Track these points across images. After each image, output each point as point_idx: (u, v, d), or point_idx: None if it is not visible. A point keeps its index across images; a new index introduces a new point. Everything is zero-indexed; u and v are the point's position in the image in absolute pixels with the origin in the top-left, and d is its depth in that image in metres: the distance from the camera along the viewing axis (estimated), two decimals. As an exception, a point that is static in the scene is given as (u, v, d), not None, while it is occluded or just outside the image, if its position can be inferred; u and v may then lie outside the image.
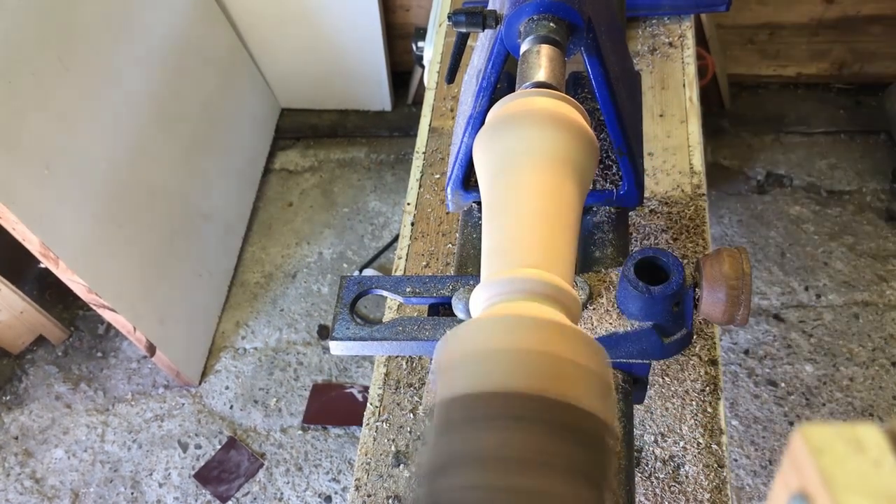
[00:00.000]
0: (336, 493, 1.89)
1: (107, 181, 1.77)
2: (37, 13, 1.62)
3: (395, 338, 0.65)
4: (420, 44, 2.12)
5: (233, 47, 2.33)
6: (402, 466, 0.77)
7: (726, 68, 2.39)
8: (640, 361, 0.64)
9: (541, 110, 0.47)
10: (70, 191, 1.66)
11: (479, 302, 0.42)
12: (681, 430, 0.77)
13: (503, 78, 0.68)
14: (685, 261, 0.88)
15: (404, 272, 0.91)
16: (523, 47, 0.57)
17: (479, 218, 0.80)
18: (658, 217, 0.94)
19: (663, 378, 0.81)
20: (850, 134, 2.39)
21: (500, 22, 0.61)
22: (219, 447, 1.97)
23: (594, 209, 0.78)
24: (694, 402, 0.79)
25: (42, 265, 1.63)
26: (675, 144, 1.03)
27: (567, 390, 0.34)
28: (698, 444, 0.76)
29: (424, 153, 1.03)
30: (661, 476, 0.75)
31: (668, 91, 1.09)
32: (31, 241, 1.54)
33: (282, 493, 1.89)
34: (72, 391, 2.08)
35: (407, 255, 0.92)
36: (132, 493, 1.91)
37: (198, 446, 1.98)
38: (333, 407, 2.00)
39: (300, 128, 2.64)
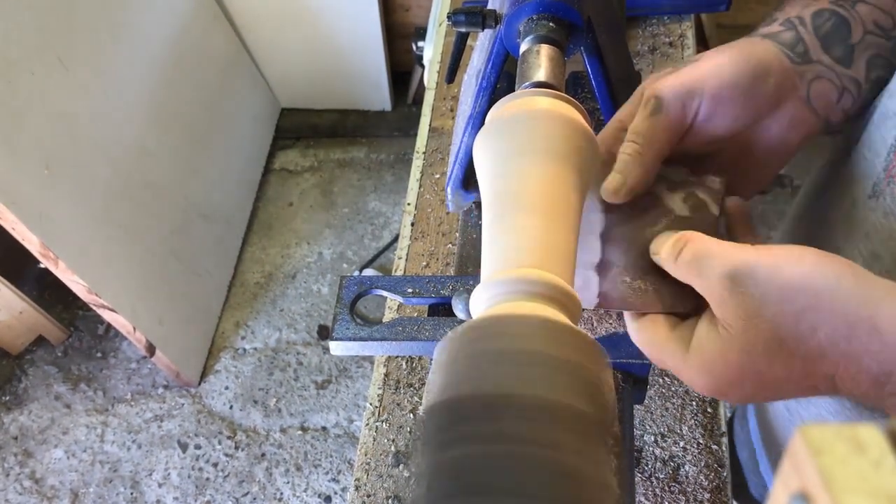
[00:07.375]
0: (336, 493, 1.89)
1: (107, 181, 1.77)
2: (37, 13, 1.62)
3: (395, 338, 0.65)
4: (420, 43, 2.12)
5: (233, 47, 2.33)
6: (401, 466, 0.77)
7: (726, 68, 2.38)
8: (639, 361, 0.63)
9: (541, 110, 0.47)
10: (70, 191, 1.66)
11: (479, 302, 0.42)
12: (681, 430, 0.77)
13: (503, 78, 0.67)
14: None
15: (404, 272, 0.91)
16: (523, 47, 0.57)
17: (479, 218, 0.80)
18: (658, 217, 0.93)
19: (663, 378, 0.80)
20: (850, 134, 2.38)
21: (499, 21, 0.60)
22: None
23: (594, 209, 0.78)
24: (694, 402, 0.79)
25: (42, 265, 1.62)
26: (675, 144, 1.03)
27: (566, 391, 0.34)
28: (698, 444, 0.76)
29: (424, 153, 1.03)
30: (661, 476, 0.74)
31: (668, 91, 1.08)
32: (30, 241, 1.54)
33: (281, 494, 1.89)
34: (71, 391, 2.08)
35: (407, 255, 0.92)
36: (132, 494, 1.91)
37: (197, 446, 1.98)
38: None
39: (300, 128, 2.63)
